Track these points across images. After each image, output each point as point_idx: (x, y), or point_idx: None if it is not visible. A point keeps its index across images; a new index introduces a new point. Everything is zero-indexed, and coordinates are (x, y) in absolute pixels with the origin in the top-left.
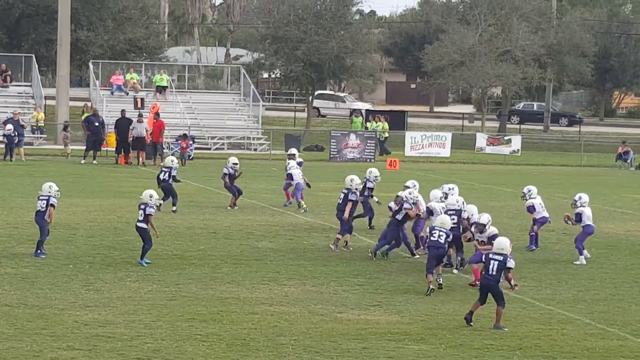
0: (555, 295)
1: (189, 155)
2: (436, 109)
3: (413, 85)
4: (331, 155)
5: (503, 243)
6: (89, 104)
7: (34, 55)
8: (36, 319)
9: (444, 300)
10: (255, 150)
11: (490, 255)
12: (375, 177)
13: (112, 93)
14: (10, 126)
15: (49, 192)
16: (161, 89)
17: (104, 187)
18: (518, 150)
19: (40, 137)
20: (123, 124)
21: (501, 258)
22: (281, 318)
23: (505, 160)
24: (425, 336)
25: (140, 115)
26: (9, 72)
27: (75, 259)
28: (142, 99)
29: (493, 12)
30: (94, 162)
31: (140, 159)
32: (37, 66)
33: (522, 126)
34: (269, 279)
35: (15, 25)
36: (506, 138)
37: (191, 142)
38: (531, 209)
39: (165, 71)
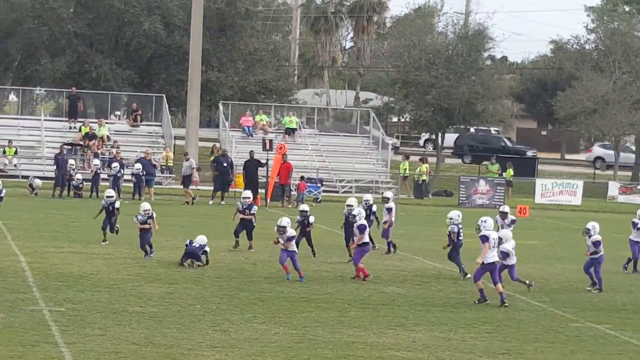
0: None
1: (317, 199)
2: (567, 156)
3: (544, 132)
4: (460, 201)
5: None
6: (217, 144)
7: (164, 95)
8: (164, 358)
9: (573, 349)
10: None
11: None
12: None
13: (250, 135)
14: (139, 165)
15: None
16: (290, 131)
17: (231, 228)
18: None
19: (170, 177)
20: (251, 165)
21: None
22: None
23: (638, 209)
24: None
25: (186, 154)
26: (140, 112)
27: (202, 300)
28: (270, 141)
29: (628, 60)
30: (222, 202)
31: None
32: (167, 106)
33: None
34: (396, 324)
35: (147, 65)
36: (639, 187)
37: (319, 185)
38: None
39: (294, 113)
